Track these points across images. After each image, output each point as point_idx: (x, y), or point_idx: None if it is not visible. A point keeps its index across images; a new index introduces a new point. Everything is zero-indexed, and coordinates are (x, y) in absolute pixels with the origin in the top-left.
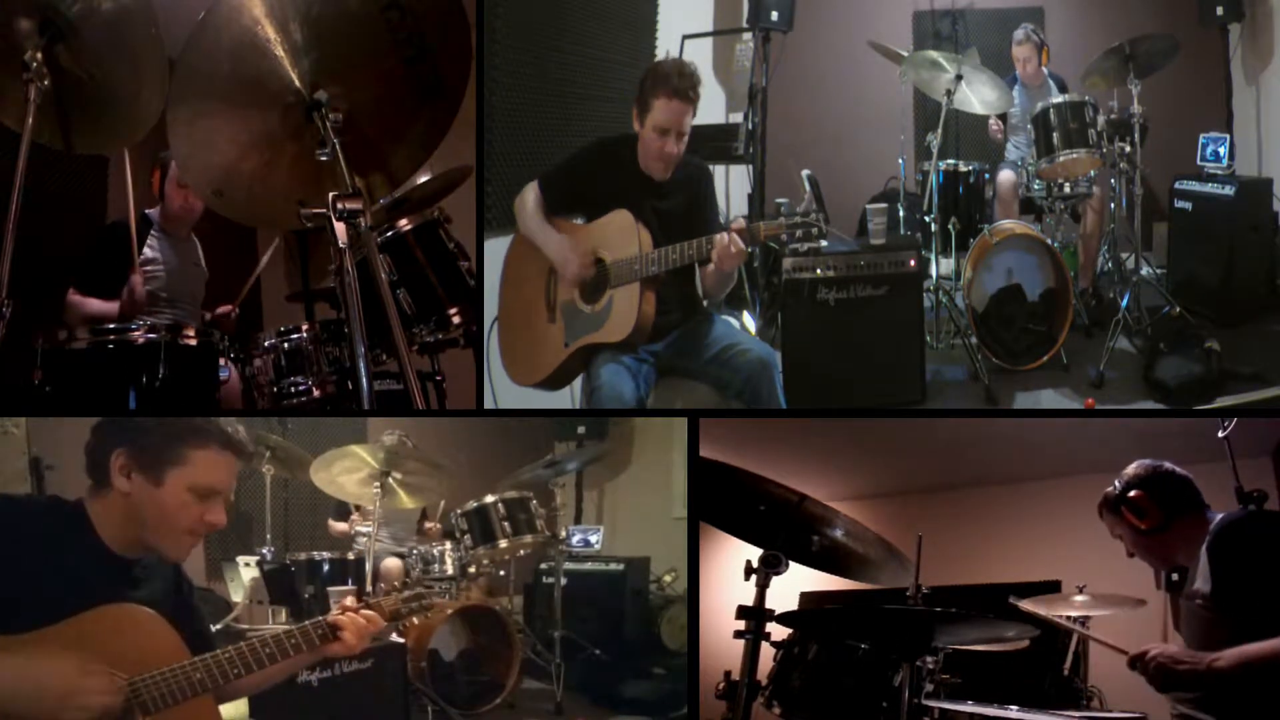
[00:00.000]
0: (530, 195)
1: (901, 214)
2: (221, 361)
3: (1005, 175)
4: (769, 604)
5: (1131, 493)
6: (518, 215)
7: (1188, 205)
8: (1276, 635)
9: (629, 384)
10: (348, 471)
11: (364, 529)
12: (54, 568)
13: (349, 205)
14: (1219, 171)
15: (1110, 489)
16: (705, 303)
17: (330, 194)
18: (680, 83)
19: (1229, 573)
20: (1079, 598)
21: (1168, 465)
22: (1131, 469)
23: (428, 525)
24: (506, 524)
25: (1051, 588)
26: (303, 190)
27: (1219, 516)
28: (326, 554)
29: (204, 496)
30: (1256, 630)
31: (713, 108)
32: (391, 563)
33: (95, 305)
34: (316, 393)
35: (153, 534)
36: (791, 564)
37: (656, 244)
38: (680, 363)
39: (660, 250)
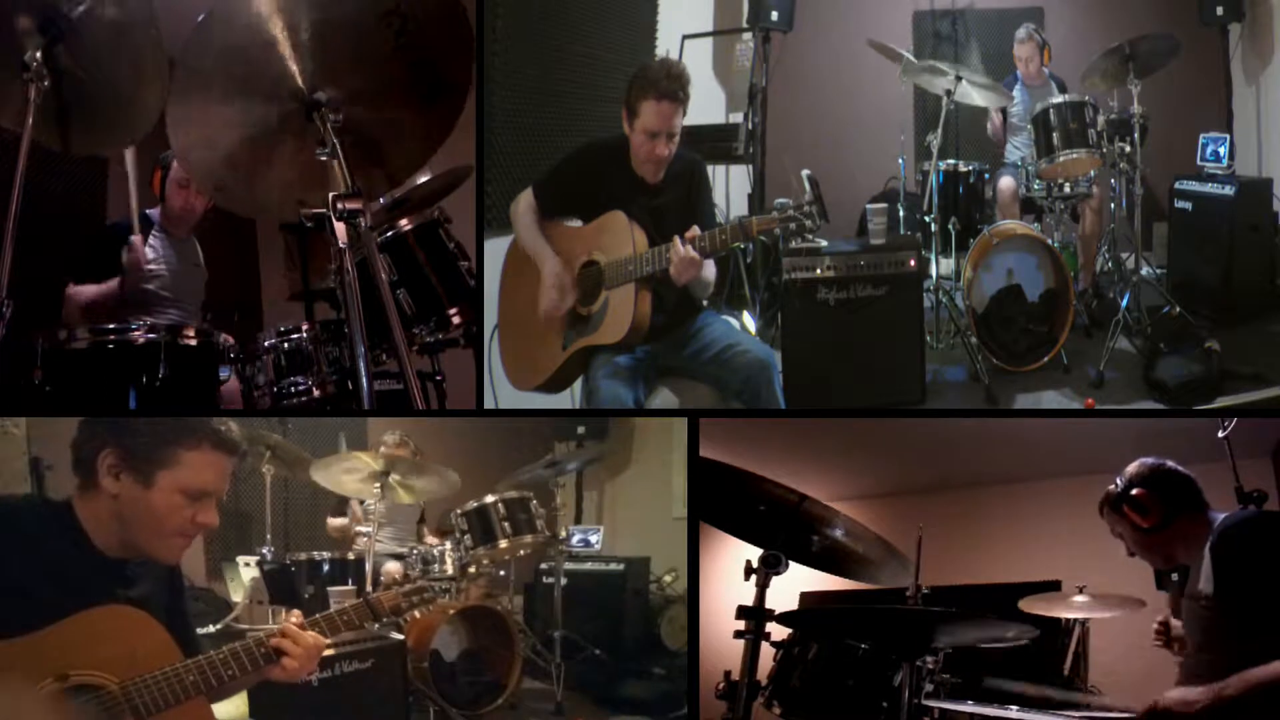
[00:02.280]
0: (523, 203)
1: (901, 214)
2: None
3: (1005, 182)
4: (769, 604)
5: (1134, 490)
6: (513, 224)
7: (1188, 205)
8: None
9: (628, 385)
10: (348, 471)
11: (364, 529)
12: (44, 569)
13: (349, 205)
14: (1219, 171)
15: (1112, 487)
16: (705, 302)
17: (330, 194)
18: (668, 85)
19: (1232, 574)
20: (1079, 598)
21: (1170, 464)
22: (1134, 467)
23: (426, 532)
24: (506, 524)
25: (1051, 588)
26: (303, 186)
27: (1221, 516)
28: (326, 554)
29: (195, 498)
30: (1260, 631)
31: (713, 108)
32: (392, 566)
33: (92, 289)
34: (316, 393)
35: (141, 536)
36: (791, 564)
37: (653, 243)
38: (679, 363)
39: (654, 250)
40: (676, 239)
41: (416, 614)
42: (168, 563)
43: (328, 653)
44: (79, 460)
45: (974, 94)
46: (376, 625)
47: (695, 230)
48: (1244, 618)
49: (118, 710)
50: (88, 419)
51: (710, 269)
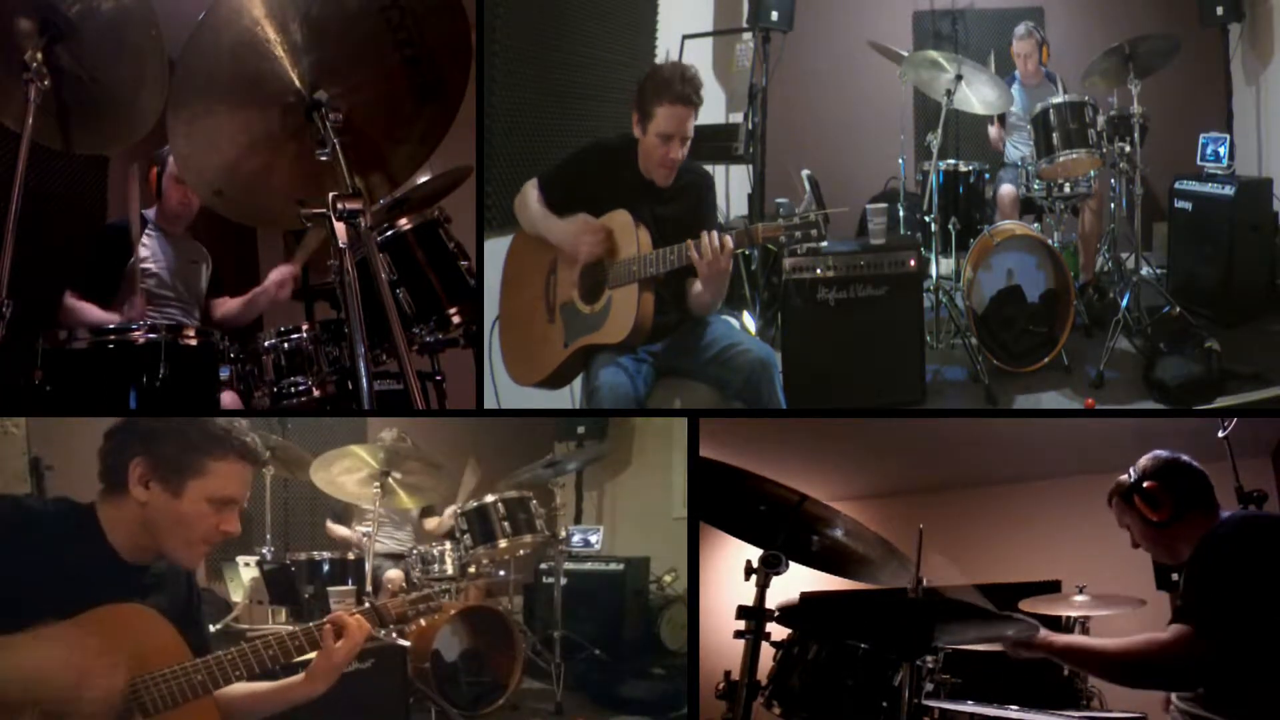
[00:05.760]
0: (531, 192)
1: (901, 214)
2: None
3: (1006, 189)
4: (769, 604)
5: (1146, 483)
6: (519, 213)
7: (1188, 205)
8: (1243, 645)
9: (628, 384)
10: (348, 471)
11: (364, 529)
12: (64, 571)
13: (349, 205)
14: (1219, 171)
15: (1124, 477)
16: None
17: (330, 194)
18: (683, 88)
19: (1200, 584)
20: (1079, 598)
21: (1184, 458)
22: (1147, 460)
23: (428, 523)
24: (506, 524)
25: (1051, 588)
26: (303, 190)
27: (1225, 516)
28: (326, 554)
29: (220, 507)
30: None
31: (713, 108)
32: (393, 573)
33: (93, 313)
34: (316, 393)
35: (167, 542)
36: (791, 564)
37: (656, 246)
38: (680, 363)
39: (658, 251)
40: (709, 234)
41: (422, 622)
42: (189, 568)
43: None
44: (108, 467)
45: (973, 99)
46: (381, 632)
47: (707, 236)
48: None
49: (125, 707)
50: (115, 426)
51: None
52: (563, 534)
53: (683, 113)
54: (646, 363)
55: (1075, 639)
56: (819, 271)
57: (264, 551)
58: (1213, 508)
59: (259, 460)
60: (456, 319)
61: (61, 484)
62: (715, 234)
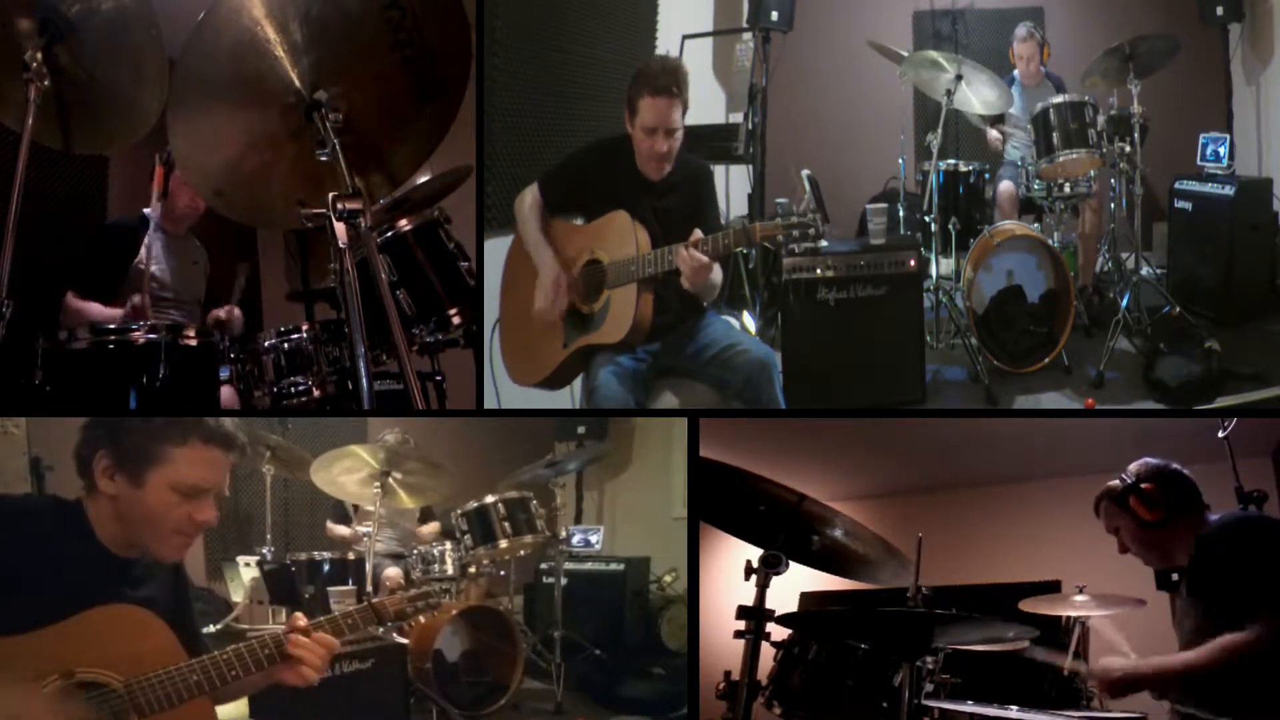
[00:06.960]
0: (528, 199)
1: (901, 214)
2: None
3: (1005, 187)
4: (769, 604)
5: (1144, 484)
6: (516, 220)
7: (1188, 205)
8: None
9: (628, 384)
10: (348, 471)
11: (364, 529)
12: (55, 567)
13: (349, 205)
14: (1219, 171)
15: (1115, 482)
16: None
17: (330, 194)
18: (662, 80)
19: (1209, 577)
20: (1079, 598)
21: (1174, 465)
22: (1139, 465)
23: (421, 529)
24: (506, 524)
25: (1051, 588)
26: (303, 190)
27: (1217, 516)
28: (327, 554)
29: (189, 495)
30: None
31: (713, 108)
32: (392, 571)
33: (95, 310)
34: (316, 393)
35: (141, 535)
36: (791, 564)
37: (656, 244)
38: (680, 363)
39: (656, 251)
40: (680, 247)
41: (421, 619)
42: (169, 561)
43: None
44: (80, 464)
45: (973, 99)
46: (381, 629)
47: (698, 234)
48: (1220, 620)
49: (121, 708)
50: (87, 422)
51: (717, 271)
52: (563, 534)
53: (664, 104)
54: (646, 363)
55: (1163, 661)
56: (819, 271)
57: (264, 551)
58: (1202, 513)
59: (231, 443)
60: (456, 319)
61: (61, 484)
62: (693, 250)
